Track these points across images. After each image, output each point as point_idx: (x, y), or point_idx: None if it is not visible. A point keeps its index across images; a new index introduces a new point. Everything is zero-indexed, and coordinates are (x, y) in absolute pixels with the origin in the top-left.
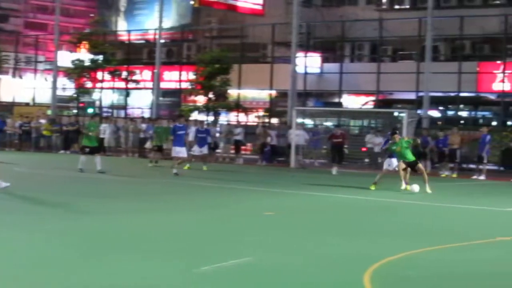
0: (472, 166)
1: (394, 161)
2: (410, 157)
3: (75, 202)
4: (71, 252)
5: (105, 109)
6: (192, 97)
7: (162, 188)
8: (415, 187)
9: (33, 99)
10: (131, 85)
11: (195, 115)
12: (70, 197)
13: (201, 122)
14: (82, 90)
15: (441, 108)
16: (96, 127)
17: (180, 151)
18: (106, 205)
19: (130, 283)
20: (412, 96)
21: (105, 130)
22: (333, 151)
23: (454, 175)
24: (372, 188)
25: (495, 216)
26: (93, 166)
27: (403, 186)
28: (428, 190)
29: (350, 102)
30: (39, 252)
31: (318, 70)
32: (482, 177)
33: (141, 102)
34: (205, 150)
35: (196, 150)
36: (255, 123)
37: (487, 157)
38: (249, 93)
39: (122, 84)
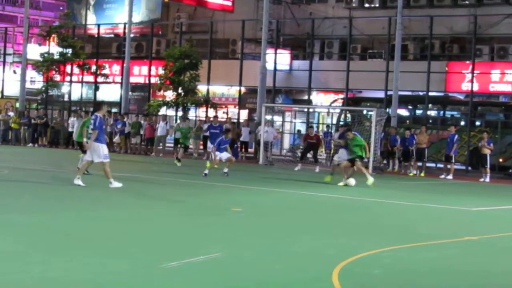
0: (440, 165)
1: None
2: (358, 153)
3: (50, 200)
4: (38, 248)
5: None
6: (161, 92)
7: (134, 185)
8: (352, 181)
9: (2, 92)
10: (100, 79)
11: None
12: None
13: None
14: (50, 83)
15: (409, 107)
16: None
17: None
18: (70, 202)
19: (99, 279)
20: (381, 94)
21: (73, 124)
22: (306, 150)
23: (422, 174)
24: (328, 179)
25: (462, 216)
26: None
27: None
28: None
29: (319, 99)
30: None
31: (287, 67)
32: (449, 177)
33: (110, 96)
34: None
35: None
36: (224, 119)
37: (454, 156)
38: (218, 89)
39: (91, 78)
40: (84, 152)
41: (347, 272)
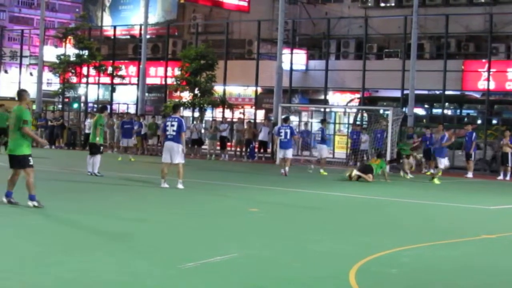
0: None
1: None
2: None
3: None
4: (55, 249)
5: (90, 104)
6: (178, 93)
7: (145, 186)
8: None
9: None
10: (116, 80)
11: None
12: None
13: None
14: (67, 85)
15: (426, 106)
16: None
17: None
18: (92, 202)
19: (117, 280)
20: (397, 94)
21: (90, 126)
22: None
23: (439, 173)
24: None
25: (480, 214)
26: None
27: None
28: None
29: (336, 99)
30: (18, 248)
31: (303, 67)
32: (469, 175)
33: (126, 98)
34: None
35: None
36: (240, 120)
37: (474, 154)
38: (234, 90)
39: (107, 80)
40: (93, 153)
41: (364, 271)
